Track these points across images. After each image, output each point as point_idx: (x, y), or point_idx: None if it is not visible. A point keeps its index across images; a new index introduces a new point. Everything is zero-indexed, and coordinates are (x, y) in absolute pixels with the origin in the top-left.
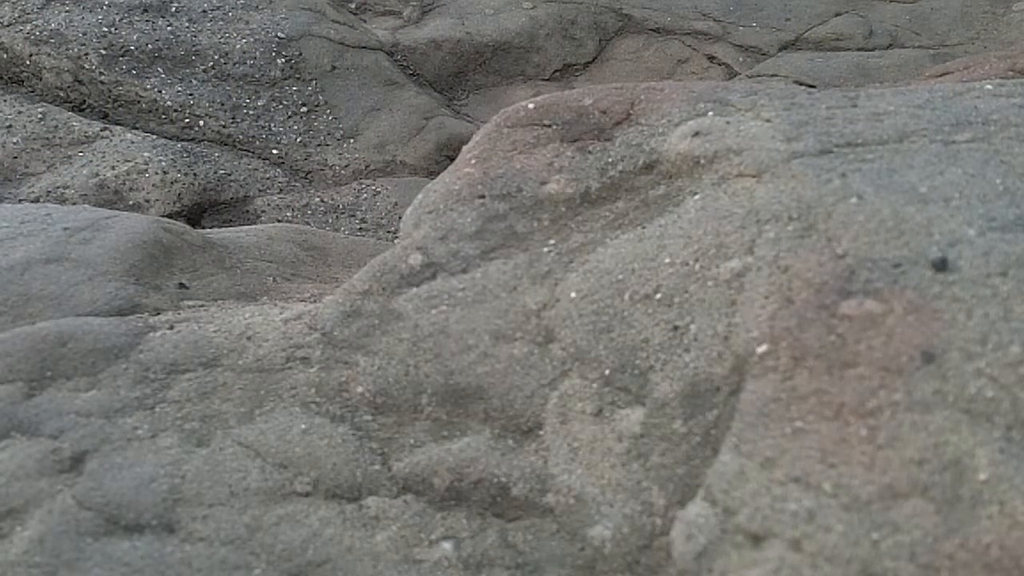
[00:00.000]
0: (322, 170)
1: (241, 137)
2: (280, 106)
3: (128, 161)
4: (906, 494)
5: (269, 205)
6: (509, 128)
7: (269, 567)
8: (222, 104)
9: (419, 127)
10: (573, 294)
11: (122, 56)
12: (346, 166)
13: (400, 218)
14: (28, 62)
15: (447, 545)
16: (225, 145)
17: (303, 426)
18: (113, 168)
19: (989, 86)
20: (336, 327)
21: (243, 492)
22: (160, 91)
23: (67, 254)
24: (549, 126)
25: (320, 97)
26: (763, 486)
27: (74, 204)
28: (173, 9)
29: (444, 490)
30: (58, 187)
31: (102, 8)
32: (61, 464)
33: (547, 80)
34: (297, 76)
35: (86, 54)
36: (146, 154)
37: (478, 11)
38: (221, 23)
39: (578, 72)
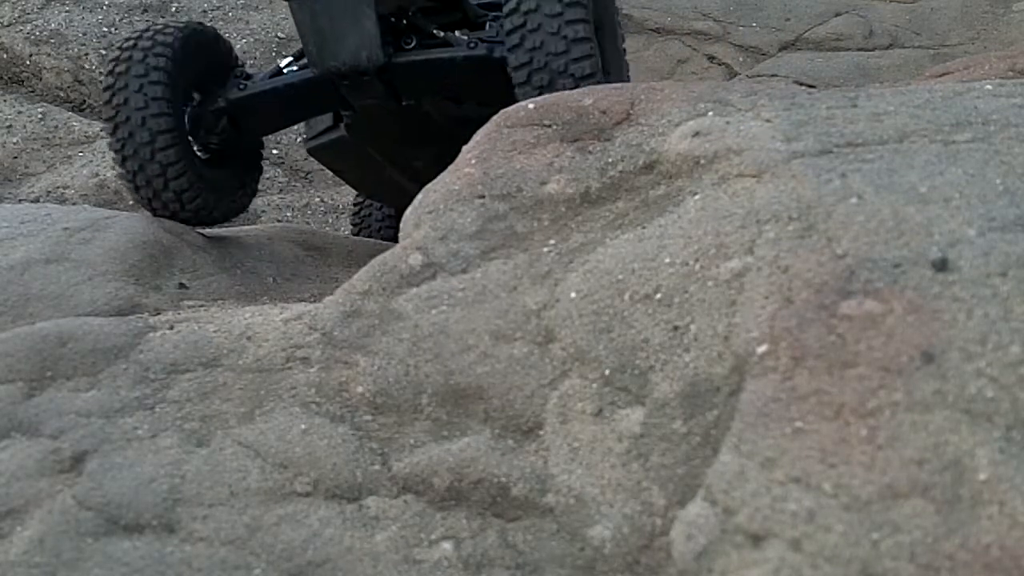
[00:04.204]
0: (322, 170)
1: None
2: None
3: None
4: (906, 494)
5: (269, 205)
6: (509, 128)
7: (269, 567)
8: None
9: None
10: (573, 294)
11: None
12: None
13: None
14: (28, 62)
15: (447, 545)
16: None
17: (303, 426)
18: (113, 168)
19: (989, 86)
20: (336, 327)
21: (243, 492)
22: None
23: (67, 254)
24: (549, 126)
25: None
26: (763, 486)
27: (74, 204)
28: (173, 9)
29: (444, 490)
30: (58, 187)
31: (102, 8)
32: (61, 464)
33: None
34: None
35: (86, 54)
36: None
37: None
38: (221, 23)
39: None
